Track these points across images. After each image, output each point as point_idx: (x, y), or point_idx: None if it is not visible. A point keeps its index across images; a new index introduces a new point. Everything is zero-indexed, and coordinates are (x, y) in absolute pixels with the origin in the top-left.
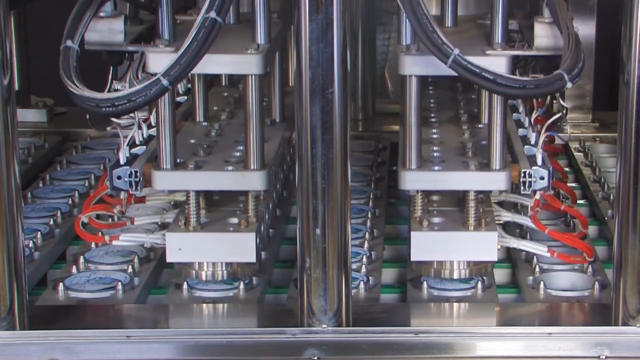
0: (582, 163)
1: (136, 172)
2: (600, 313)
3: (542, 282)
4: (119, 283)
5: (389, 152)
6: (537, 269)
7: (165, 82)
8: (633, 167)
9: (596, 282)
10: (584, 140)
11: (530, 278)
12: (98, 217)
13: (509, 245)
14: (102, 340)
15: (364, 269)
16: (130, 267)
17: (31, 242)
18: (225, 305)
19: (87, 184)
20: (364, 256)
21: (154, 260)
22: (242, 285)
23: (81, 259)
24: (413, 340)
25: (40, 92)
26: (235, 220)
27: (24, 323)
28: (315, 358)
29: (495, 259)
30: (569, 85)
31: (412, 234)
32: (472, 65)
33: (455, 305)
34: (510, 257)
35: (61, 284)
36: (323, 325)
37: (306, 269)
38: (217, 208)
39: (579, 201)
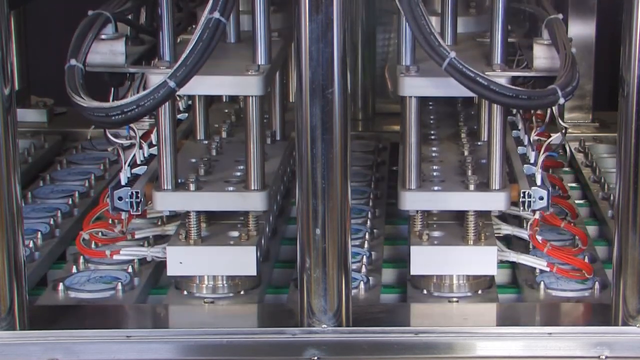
0: (582, 163)
1: (137, 193)
2: (600, 313)
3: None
4: (119, 283)
5: (389, 152)
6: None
7: (172, 83)
8: (633, 167)
9: (596, 282)
10: (584, 140)
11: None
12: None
13: (509, 259)
14: (102, 340)
15: (364, 269)
16: (130, 267)
17: (31, 242)
18: (226, 305)
19: (87, 184)
20: (364, 256)
21: (154, 260)
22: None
23: (81, 259)
24: (413, 340)
25: (40, 92)
26: (235, 233)
27: (24, 323)
28: (315, 358)
29: (494, 272)
30: (562, 101)
31: (412, 248)
32: (467, 70)
33: (455, 305)
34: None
35: (61, 284)
36: (323, 325)
37: (306, 269)
38: (217, 221)
39: (578, 201)
